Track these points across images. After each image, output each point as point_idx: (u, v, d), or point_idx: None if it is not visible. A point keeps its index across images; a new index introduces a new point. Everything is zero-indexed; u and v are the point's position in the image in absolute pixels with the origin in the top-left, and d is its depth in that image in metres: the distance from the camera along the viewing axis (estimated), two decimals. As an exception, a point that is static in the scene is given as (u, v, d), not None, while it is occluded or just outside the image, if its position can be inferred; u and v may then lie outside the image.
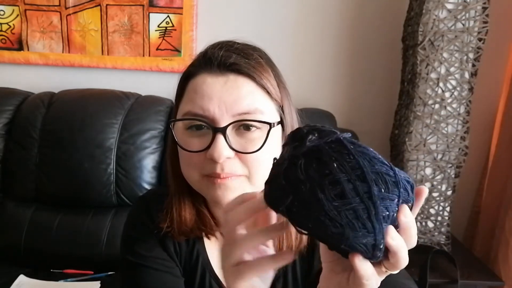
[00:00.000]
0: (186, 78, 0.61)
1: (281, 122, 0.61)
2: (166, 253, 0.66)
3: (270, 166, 0.61)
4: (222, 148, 0.54)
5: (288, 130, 0.62)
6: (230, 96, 0.56)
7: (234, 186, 0.57)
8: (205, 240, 0.67)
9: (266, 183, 0.39)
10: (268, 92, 0.59)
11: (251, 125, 0.57)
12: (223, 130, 0.55)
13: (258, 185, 0.59)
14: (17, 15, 1.62)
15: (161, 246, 0.66)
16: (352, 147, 0.35)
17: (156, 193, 0.73)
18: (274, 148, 0.59)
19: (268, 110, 0.58)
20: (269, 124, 0.56)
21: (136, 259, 0.65)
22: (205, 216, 0.65)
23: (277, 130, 0.60)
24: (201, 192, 0.61)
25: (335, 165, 0.34)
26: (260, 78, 0.58)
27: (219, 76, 0.58)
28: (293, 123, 0.64)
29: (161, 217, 0.64)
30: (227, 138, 0.55)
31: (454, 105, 1.29)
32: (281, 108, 0.61)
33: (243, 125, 0.57)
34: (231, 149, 0.55)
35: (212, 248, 0.68)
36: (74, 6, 1.59)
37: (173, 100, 1.66)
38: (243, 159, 0.56)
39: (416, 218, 1.32)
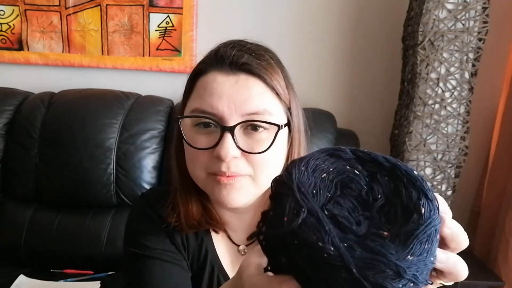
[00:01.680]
0: (196, 75, 0.61)
1: (288, 124, 0.61)
2: (174, 246, 0.65)
3: (275, 167, 0.57)
4: (229, 147, 0.55)
5: (295, 132, 0.63)
6: (240, 96, 0.56)
7: (239, 186, 0.57)
8: (213, 235, 0.68)
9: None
10: (277, 94, 0.59)
11: (259, 126, 0.57)
12: (231, 129, 0.55)
13: (261, 185, 0.59)
14: (17, 15, 1.62)
15: (169, 239, 0.65)
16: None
17: (157, 190, 0.72)
18: (280, 149, 0.60)
19: (276, 111, 0.59)
20: (278, 126, 0.57)
21: (142, 251, 0.64)
22: (210, 211, 0.65)
23: (284, 132, 0.60)
24: (205, 190, 0.61)
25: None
26: (270, 79, 0.58)
27: (230, 75, 0.58)
28: (299, 125, 0.64)
29: (167, 212, 0.64)
30: (234, 137, 0.55)
31: (454, 105, 1.29)
32: (289, 110, 0.62)
33: (251, 126, 0.57)
34: (238, 148, 0.56)
35: (220, 243, 0.68)
36: (74, 6, 1.59)
37: (173, 100, 1.66)
38: (249, 159, 0.57)
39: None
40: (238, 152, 0.56)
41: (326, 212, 0.30)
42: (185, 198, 0.64)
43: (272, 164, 0.59)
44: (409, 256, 0.27)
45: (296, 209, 0.29)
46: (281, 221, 0.29)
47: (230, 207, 0.59)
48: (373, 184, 0.32)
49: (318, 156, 0.33)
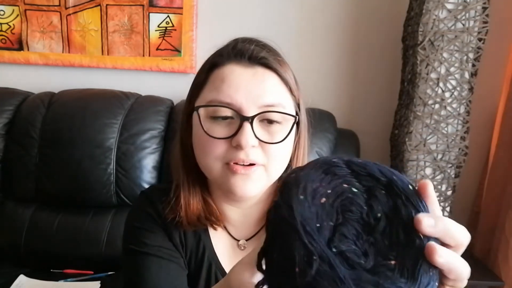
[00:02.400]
0: (212, 67, 0.62)
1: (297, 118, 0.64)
2: (172, 243, 0.66)
3: (285, 159, 0.60)
4: (249, 135, 0.57)
5: (302, 126, 0.66)
6: (258, 88, 0.59)
7: (254, 177, 0.59)
8: (211, 231, 0.68)
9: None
10: (289, 88, 0.63)
11: (275, 119, 0.59)
12: (251, 119, 0.57)
13: (272, 175, 0.62)
14: (17, 15, 1.62)
15: (167, 236, 0.66)
16: None
17: (158, 188, 0.73)
18: (291, 142, 0.63)
19: (288, 105, 0.62)
20: (295, 117, 0.61)
21: (140, 248, 0.65)
22: (211, 206, 0.67)
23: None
24: (219, 181, 0.62)
25: None
26: (284, 73, 0.62)
27: (248, 68, 0.60)
28: (305, 120, 0.67)
29: (168, 207, 0.66)
30: (253, 127, 0.58)
31: (454, 105, 1.29)
32: (298, 105, 0.65)
33: (267, 119, 0.59)
34: (256, 138, 0.58)
35: (218, 240, 0.68)
36: (74, 6, 1.59)
37: (173, 100, 1.66)
38: (264, 149, 0.59)
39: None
40: (256, 141, 0.58)
41: (334, 249, 0.29)
42: (188, 192, 0.65)
43: (284, 156, 0.62)
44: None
45: (307, 257, 0.28)
46: (292, 271, 0.28)
47: (244, 197, 0.61)
48: (372, 202, 0.32)
49: (314, 176, 0.32)
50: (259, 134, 0.58)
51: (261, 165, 0.59)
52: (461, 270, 0.32)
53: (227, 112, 0.58)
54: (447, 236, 0.32)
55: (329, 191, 0.31)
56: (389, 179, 0.32)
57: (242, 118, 0.57)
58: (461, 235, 0.32)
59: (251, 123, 0.57)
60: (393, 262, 0.29)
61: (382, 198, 0.31)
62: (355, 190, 0.32)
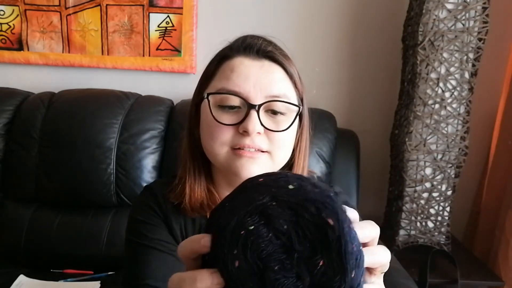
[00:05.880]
0: (222, 59, 0.66)
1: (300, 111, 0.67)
2: (172, 237, 0.68)
3: (289, 150, 0.62)
4: (256, 121, 0.60)
5: (305, 120, 0.69)
6: (265, 79, 0.62)
7: (259, 161, 0.62)
8: None
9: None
10: (294, 82, 0.66)
11: (280, 110, 0.62)
12: (257, 107, 0.61)
13: (277, 163, 0.64)
14: (17, 15, 1.62)
15: (167, 229, 0.68)
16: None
17: (161, 182, 0.76)
18: (294, 133, 0.66)
19: (292, 97, 0.65)
20: (298, 106, 0.64)
21: (141, 240, 0.67)
22: (214, 195, 0.69)
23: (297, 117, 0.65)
24: (224, 165, 0.64)
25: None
26: (290, 68, 0.66)
27: (256, 60, 0.64)
28: (307, 114, 0.70)
29: (173, 193, 0.68)
30: (259, 115, 0.61)
31: (454, 105, 1.29)
32: (301, 100, 0.67)
33: (271, 109, 0.62)
34: (262, 126, 0.61)
35: None
36: (74, 6, 1.59)
37: (173, 100, 1.65)
38: (269, 137, 0.62)
39: (416, 218, 1.33)
40: (262, 129, 0.61)
41: None
42: (193, 180, 0.68)
43: (287, 145, 0.65)
44: (352, 274, 0.28)
45: None
46: None
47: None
48: (271, 223, 0.29)
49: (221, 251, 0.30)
50: (264, 123, 0.61)
51: (266, 151, 0.62)
52: (384, 261, 0.33)
53: (235, 101, 0.61)
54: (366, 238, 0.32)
55: (235, 252, 0.29)
56: (268, 192, 0.30)
57: (249, 106, 0.60)
58: (375, 230, 0.33)
59: (258, 111, 0.60)
60: (320, 262, 0.28)
61: (276, 212, 0.29)
62: (251, 227, 0.29)
